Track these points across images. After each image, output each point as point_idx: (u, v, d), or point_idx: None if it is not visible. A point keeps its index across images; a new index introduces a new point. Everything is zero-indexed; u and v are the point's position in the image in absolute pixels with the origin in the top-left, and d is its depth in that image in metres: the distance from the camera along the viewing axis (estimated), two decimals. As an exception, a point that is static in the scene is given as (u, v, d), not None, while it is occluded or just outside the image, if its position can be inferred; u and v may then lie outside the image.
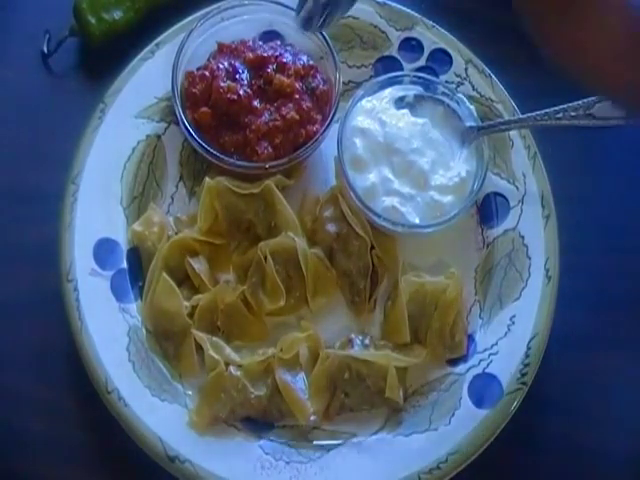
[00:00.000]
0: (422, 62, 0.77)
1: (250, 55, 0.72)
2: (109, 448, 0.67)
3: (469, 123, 0.71)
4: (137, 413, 0.64)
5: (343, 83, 0.73)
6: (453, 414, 0.66)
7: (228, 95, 0.70)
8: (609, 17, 0.46)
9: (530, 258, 0.70)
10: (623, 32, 0.46)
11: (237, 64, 0.73)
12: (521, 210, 0.72)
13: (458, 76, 0.76)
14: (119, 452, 0.66)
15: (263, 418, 0.67)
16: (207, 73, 0.72)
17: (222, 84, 0.70)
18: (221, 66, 0.72)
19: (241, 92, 0.70)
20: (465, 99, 0.73)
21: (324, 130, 0.71)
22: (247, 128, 0.70)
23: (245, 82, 0.71)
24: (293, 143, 0.70)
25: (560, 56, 0.49)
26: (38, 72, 0.79)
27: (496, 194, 0.73)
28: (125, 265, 0.70)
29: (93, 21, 0.77)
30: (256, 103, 0.71)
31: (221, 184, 0.70)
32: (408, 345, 0.69)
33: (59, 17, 0.78)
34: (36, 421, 0.68)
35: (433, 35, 0.77)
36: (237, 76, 0.72)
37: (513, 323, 0.69)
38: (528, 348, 0.67)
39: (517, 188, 0.73)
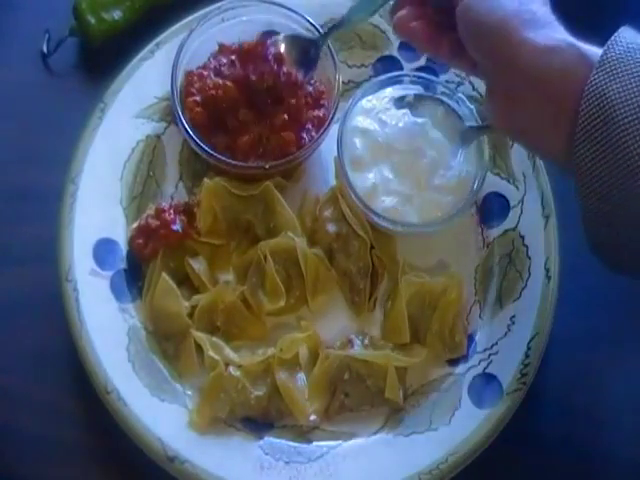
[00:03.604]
0: (422, 62, 0.77)
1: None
2: (109, 448, 0.67)
3: (469, 123, 0.71)
4: (137, 413, 0.64)
5: (343, 83, 0.73)
6: (453, 414, 0.66)
7: (211, 91, 0.70)
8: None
9: (530, 258, 0.70)
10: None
11: (230, 63, 0.72)
12: (521, 210, 0.72)
13: (458, 76, 0.76)
14: (119, 452, 0.66)
15: (263, 418, 0.67)
16: (205, 73, 0.72)
17: (208, 81, 0.71)
18: (216, 65, 0.72)
19: (221, 89, 0.70)
20: (465, 99, 0.72)
21: (324, 130, 0.71)
22: (235, 138, 0.70)
23: (229, 76, 0.71)
24: (283, 155, 0.70)
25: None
26: (38, 72, 0.78)
27: (496, 194, 0.73)
28: (125, 265, 0.70)
29: (93, 21, 0.77)
30: (246, 112, 0.71)
31: (220, 185, 0.70)
32: (408, 345, 0.69)
33: (59, 17, 0.78)
34: (36, 421, 0.68)
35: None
36: (227, 72, 0.71)
37: (513, 323, 0.69)
38: (528, 348, 0.67)
39: (517, 188, 0.73)
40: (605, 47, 0.51)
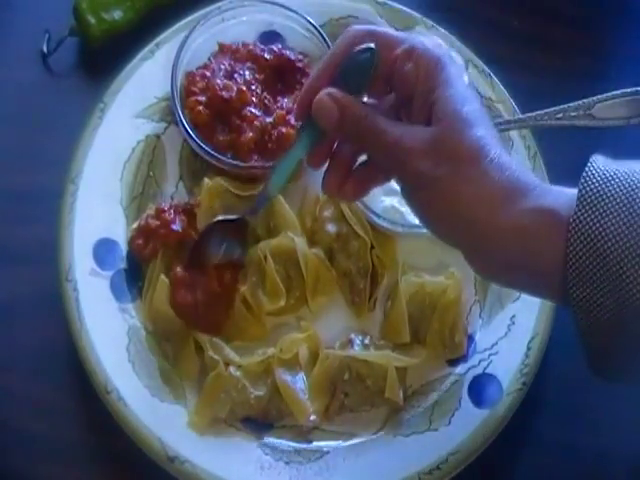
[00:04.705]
0: (422, 62, 0.77)
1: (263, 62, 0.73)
2: (109, 448, 0.67)
3: (469, 123, 0.71)
4: (137, 413, 0.64)
5: (343, 83, 0.73)
6: (453, 414, 0.66)
7: (223, 93, 0.70)
8: None
9: (530, 258, 0.70)
10: None
11: (238, 66, 0.73)
12: (521, 210, 0.72)
13: (458, 76, 0.76)
14: (119, 452, 0.66)
15: (263, 418, 0.67)
16: (207, 73, 0.72)
17: (218, 82, 0.71)
18: (222, 66, 0.73)
19: (234, 92, 0.70)
20: (465, 99, 0.72)
21: (324, 130, 0.71)
22: (238, 135, 0.70)
23: (242, 83, 0.71)
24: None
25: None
26: (38, 72, 0.78)
27: (496, 194, 0.73)
28: (125, 265, 0.70)
29: (93, 21, 0.77)
30: (252, 109, 0.71)
31: (220, 185, 0.70)
32: (408, 345, 0.69)
33: (59, 17, 0.78)
34: (36, 421, 0.68)
35: (433, 35, 0.77)
36: (235, 75, 0.72)
37: (513, 323, 0.69)
38: (528, 348, 0.67)
39: (517, 188, 0.73)
40: (581, 182, 0.49)
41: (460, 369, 0.69)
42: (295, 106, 0.58)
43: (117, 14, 0.78)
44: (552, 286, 0.50)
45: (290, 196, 0.72)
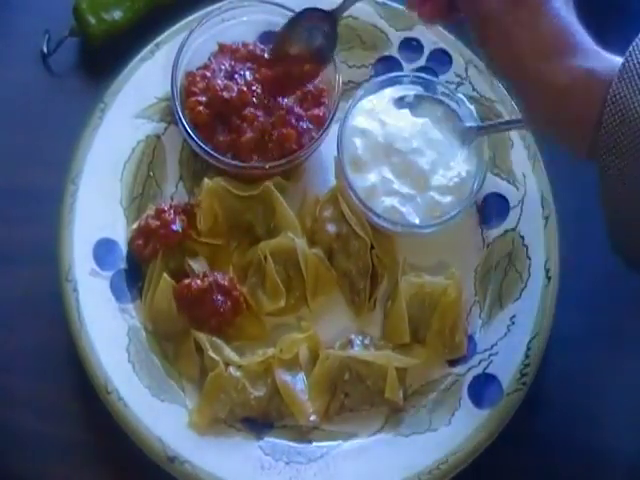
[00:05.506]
0: (422, 62, 0.77)
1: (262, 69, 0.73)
2: (109, 448, 0.67)
3: (469, 123, 0.71)
4: (137, 413, 0.64)
5: (343, 83, 0.73)
6: (453, 414, 0.66)
7: (224, 93, 0.70)
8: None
9: (530, 258, 0.70)
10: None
11: (238, 66, 0.73)
12: (521, 210, 0.72)
13: (458, 76, 0.76)
14: (119, 452, 0.66)
15: (263, 418, 0.67)
16: (208, 73, 0.72)
17: (219, 82, 0.71)
18: (222, 66, 0.73)
19: (235, 93, 0.70)
20: (465, 99, 0.73)
21: (324, 130, 0.71)
22: (238, 136, 0.70)
23: (242, 83, 0.71)
24: (285, 153, 0.70)
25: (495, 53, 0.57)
26: (38, 72, 0.78)
27: (496, 194, 0.73)
28: (125, 265, 0.70)
29: (93, 21, 0.77)
30: (252, 109, 0.71)
31: (220, 185, 0.70)
32: (408, 345, 0.69)
33: (59, 17, 0.78)
34: (36, 421, 0.68)
35: (433, 35, 0.77)
36: (235, 76, 0.72)
37: (513, 323, 0.69)
38: (528, 348, 0.67)
39: (517, 188, 0.73)
40: (626, 56, 0.50)
41: (460, 369, 0.69)
42: None
43: (117, 14, 0.78)
44: (584, 140, 0.52)
45: (290, 196, 0.72)
